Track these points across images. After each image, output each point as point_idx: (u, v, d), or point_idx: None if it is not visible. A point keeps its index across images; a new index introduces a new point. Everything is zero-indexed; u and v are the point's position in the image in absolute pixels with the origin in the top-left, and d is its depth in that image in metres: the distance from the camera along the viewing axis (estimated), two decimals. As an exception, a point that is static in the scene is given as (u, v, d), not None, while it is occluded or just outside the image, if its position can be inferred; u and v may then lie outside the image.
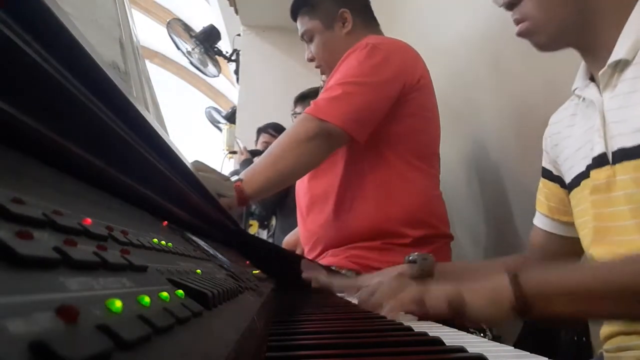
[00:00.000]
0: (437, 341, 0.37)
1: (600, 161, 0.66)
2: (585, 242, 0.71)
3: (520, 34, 0.72)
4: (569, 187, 0.75)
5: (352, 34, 1.30)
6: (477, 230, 1.53)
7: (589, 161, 0.68)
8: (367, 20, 1.36)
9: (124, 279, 0.20)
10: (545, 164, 0.84)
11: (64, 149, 0.25)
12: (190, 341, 0.19)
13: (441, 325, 0.55)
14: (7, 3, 0.18)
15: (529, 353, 0.34)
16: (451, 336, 0.42)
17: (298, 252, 1.50)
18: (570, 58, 1.02)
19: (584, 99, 0.72)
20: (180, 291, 0.25)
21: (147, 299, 0.19)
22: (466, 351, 0.33)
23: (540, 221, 0.86)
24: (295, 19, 1.38)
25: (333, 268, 1.15)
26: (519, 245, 1.28)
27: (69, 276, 0.15)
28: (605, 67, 0.65)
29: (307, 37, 1.36)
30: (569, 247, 0.79)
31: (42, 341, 0.10)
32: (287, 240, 1.66)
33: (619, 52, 0.63)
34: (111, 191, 0.34)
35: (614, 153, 0.64)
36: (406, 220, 1.17)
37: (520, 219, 1.29)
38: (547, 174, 0.84)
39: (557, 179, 0.81)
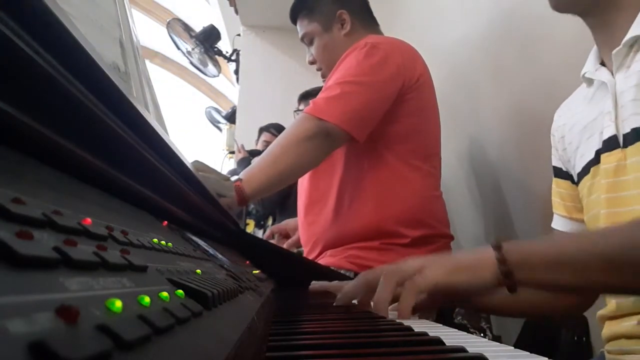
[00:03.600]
0: (437, 341, 0.37)
1: (610, 144, 0.64)
2: None
3: None
4: (578, 177, 0.73)
5: (351, 35, 1.30)
6: (477, 230, 1.53)
7: (598, 145, 0.66)
8: (366, 21, 1.36)
9: (124, 279, 0.20)
10: (555, 162, 0.82)
11: (64, 149, 0.25)
12: (190, 341, 0.19)
13: (441, 325, 0.55)
14: (7, 3, 0.18)
15: (529, 353, 0.34)
16: (451, 336, 0.42)
17: (295, 238, 1.50)
18: (570, 58, 1.02)
19: (593, 82, 0.70)
20: (180, 291, 0.25)
21: (147, 299, 0.19)
22: (466, 351, 0.33)
23: (559, 224, 0.82)
24: (294, 23, 1.38)
25: (332, 268, 1.15)
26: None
27: (69, 276, 0.15)
28: (621, 45, 0.63)
29: (307, 40, 1.36)
30: None
31: (42, 341, 0.10)
32: (288, 223, 1.63)
33: (636, 29, 0.61)
34: (111, 191, 0.34)
35: (625, 135, 0.62)
36: (405, 220, 1.17)
37: (521, 218, 1.29)
38: (558, 172, 0.82)
39: (568, 176, 0.79)
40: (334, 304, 0.64)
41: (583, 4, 0.67)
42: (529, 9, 1.20)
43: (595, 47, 0.71)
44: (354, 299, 0.65)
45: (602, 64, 0.70)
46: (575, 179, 0.74)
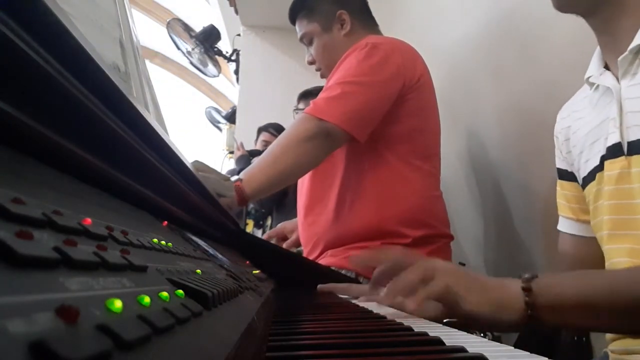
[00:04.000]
0: (437, 341, 0.37)
1: (614, 151, 0.63)
2: (602, 241, 0.68)
3: None
4: (584, 182, 0.72)
5: (351, 35, 1.30)
6: (477, 230, 1.53)
7: (603, 152, 0.65)
8: (366, 21, 1.36)
9: (124, 279, 0.20)
10: (559, 163, 0.81)
11: (64, 149, 0.25)
12: (190, 341, 0.19)
13: (441, 325, 0.55)
14: (7, 3, 0.18)
15: (528, 353, 0.34)
16: (451, 336, 0.42)
17: (293, 238, 1.50)
18: (570, 58, 1.02)
19: (597, 87, 0.69)
20: (180, 291, 0.25)
21: (147, 299, 0.19)
22: (466, 351, 0.33)
23: (565, 226, 0.81)
24: (293, 23, 1.38)
25: (333, 268, 1.15)
26: (518, 244, 1.28)
27: (69, 276, 0.15)
28: (627, 52, 0.61)
29: (307, 40, 1.36)
30: (597, 248, 0.74)
31: (42, 341, 0.10)
32: (285, 225, 1.63)
33: None
34: (111, 191, 0.34)
35: (630, 143, 0.61)
36: (406, 220, 1.17)
37: (520, 218, 1.29)
38: (563, 174, 0.80)
39: (573, 177, 0.78)
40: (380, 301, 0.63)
41: (585, 4, 0.66)
42: (529, 9, 1.20)
43: (598, 49, 0.70)
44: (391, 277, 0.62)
45: (606, 67, 0.68)
46: (581, 182, 0.73)
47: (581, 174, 0.73)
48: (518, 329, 0.56)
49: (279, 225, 1.63)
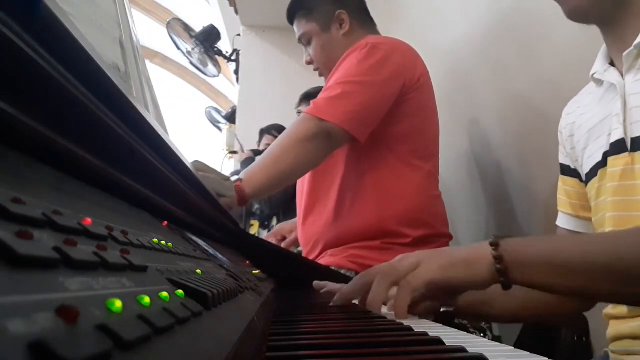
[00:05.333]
0: (437, 341, 0.37)
1: (618, 147, 0.63)
2: None
3: None
4: (586, 178, 0.72)
5: (349, 35, 1.30)
6: (477, 230, 1.53)
7: (606, 148, 0.65)
8: (364, 21, 1.36)
9: (124, 279, 0.20)
10: (563, 159, 0.81)
11: (63, 149, 0.25)
12: (190, 341, 0.19)
13: (441, 325, 0.55)
14: (7, 3, 0.18)
15: (529, 353, 0.34)
16: (451, 336, 0.42)
17: (292, 238, 1.50)
18: (571, 56, 1.02)
19: (602, 83, 0.69)
20: (180, 291, 0.25)
21: (147, 299, 0.19)
22: (466, 351, 0.33)
23: (564, 221, 0.81)
24: (292, 23, 1.38)
25: (332, 268, 1.15)
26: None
27: (69, 276, 0.15)
28: (632, 47, 0.62)
29: (305, 40, 1.36)
30: None
31: (42, 341, 0.10)
32: (282, 226, 1.64)
33: None
34: (111, 191, 0.34)
35: (633, 140, 0.61)
36: (406, 220, 1.17)
37: (521, 218, 1.29)
38: (565, 170, 0.80)
39: (575, 174, 0.78)
40: (330, 305, 0.64)
41: (597, 12, 0.66)
42: (529, 8, 1.20)
43: (604, 47, 0.70)
44: (352, 300, 0.65)
45: (612, 64, 0.69)
46: (584, 178, 0.73)
47: (584, 169, 0.73)
48: (489, 285, 0.57)
49: (277, 226, 1.63)
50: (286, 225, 1.61)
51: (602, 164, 0.66)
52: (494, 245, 0.56)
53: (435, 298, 0.67)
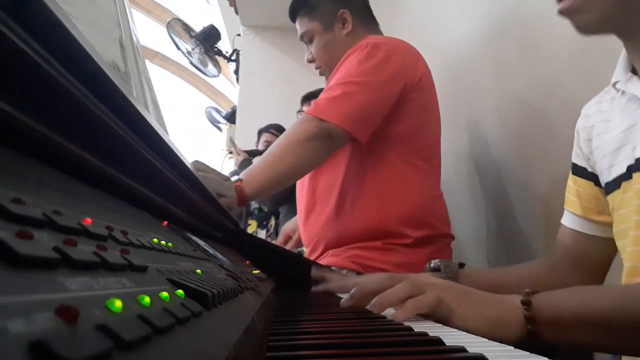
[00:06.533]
0: (437, 341, 0.37)
1: None
2: (624, 252, 0.66)
3: (562, 12, 0.64)
4: (607, 188, 0.70)
5: (352, 34, 1.30)
6: (478, 230, 1.53)
7: (631, 161, 0.64)
8: (367, 20, 1.36)
9: (124, 279, 0.20)
10: (577, 160, 0.79)
11: (64, 149, 0.25)
12: (190, 341, 0.19)
13: (441, 325, 0.55)
14: (7, 3, 0.18)
15: (528, 353, 0.34)
16: (451, 336, 0.42)
17: (295, 238, 1.50)
18: (571, 55, 1.02)
19: (623, 92, 0.67)
20: (180, 291, 0.25)
21: (147, 299, 0.19)
22: (466, 351, 0.33)
23: (569, 220, 0.79)
24: (294, 20, 1.38)
25: (333, 268, 1.15)
26: (519, 244, 1.28)
27: (69, 276, 0.15)
28: None
29: (307, 39, 1.36)
30: (599, 247, 0.75)
31: (42, 341, 0.10)
32: (286, 227, 1.65)
33: None
34: (111, 191, 0.34)
35: None
36: (407, 220, 1.17)
37: (522, 218, 1.29)
38: (580, 171, 0.78)
39: (592, 177, 0.76)
40: (345, 298, 0.62)
41: (608, 25, 0.63)
42: (530, 8, 1.20)
43: (624, 52, 0.68)
44: (370, 296, 0.60)
45: (634, 71, 0.67)
46: (604, 187, 0.71)
47: (604, 178, 0.71)
48: (517, 343, 0.54)
49: (282, 230, 1.63)
50: (289, 225, 1.61)
51: (627, 176, 0.65)
52: (526, 304, 0.52)
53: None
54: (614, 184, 0.68)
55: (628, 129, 0.66)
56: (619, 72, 0.68)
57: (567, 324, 0.51)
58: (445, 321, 0.54)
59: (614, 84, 0.69)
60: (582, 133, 0.77)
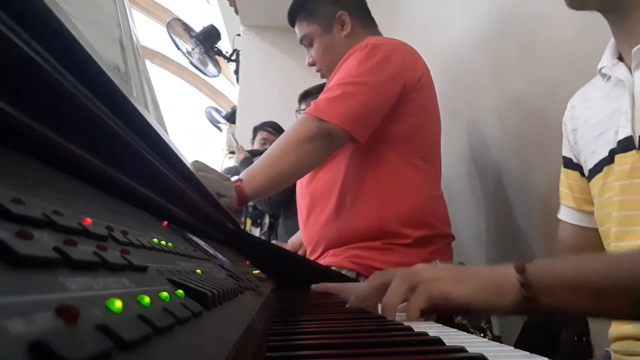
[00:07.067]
0: (437, 341, 0.37)
1: (626, 145, 0.62)
2: (607, 236, 0.66)
3: None
4: (590, 173, 0.70)
5: (351, 35, 1.31)
6: (478, 230, 1.53)
7: (613, 145, 0.64)
8: (365, 21, 1.36)
9: (124, 279, 0.20)
10: (566, 152, 0.80)
11: (64, 149, 0.25)
12: (190, 341, 0.19)
13: (441, 325, 0.55)
14: (7, 3, 0.18)
15: (528, 353, 0.34)
16: (451, 336, 0.42)
17: (301, 252, 1.50)
18: (571, 56, 1.02)
19: (610, 78, 0.68)
20: (180, 291, 0.25)
21: (147, 299, 0.19)
22: (466, 351, 0.33)
23: (566, 215, 0.80)
24: (293, 25, 1.38)
25: (333, 268, 1.15)
26: (519, 243, 1.28)
27: (69, 276, 0.15)
28: None
29: (307, 42, 1.36)
30: (596, 240, 0.74)
31: (42, 341, 0.10)
32: (292, 242, 1.66)
33: None
34: (111, 191, 0.34)
35: None
36: (407, 220, 1.17)
37: (522, 218, 1.29)
38: (567, 163, 0.79)
39: (577, 167, 0.77)
40: (347, 307, 0.62)
41: (599, 2, 0.64)
42: (529, 8, 1.20)
43: (612, 40, 0.69)
44: (369, 301, 0.62)
45: (620, 58, 0.67)
46: (586, 174, 0.72)
47: (587, 165, 0.72)
48: (514, 312, 0.53)
49: (288, 244, 1.62)
50: (294, 239, 1.61)
51: (609, 160, 0.65)
52: (520, 271, 0.53)
53: (442, 310, 0.65)
54: (596, 169, 0.68)
55: (612, 114, 0.66)
56: (606, 58, 0.69)
57: (560, 289, 0.52)
58: (446, 301, 0.54)
59: (600, 70, 0.70)
60: (568, 124, 0.78)
